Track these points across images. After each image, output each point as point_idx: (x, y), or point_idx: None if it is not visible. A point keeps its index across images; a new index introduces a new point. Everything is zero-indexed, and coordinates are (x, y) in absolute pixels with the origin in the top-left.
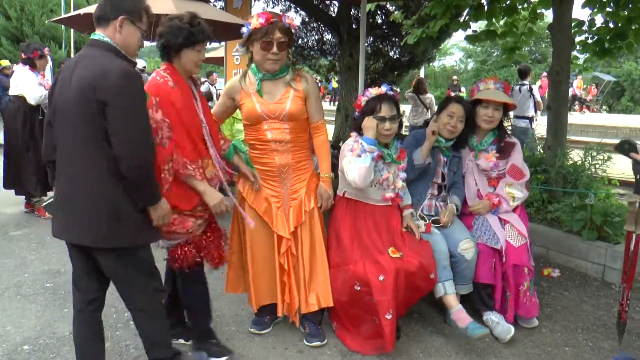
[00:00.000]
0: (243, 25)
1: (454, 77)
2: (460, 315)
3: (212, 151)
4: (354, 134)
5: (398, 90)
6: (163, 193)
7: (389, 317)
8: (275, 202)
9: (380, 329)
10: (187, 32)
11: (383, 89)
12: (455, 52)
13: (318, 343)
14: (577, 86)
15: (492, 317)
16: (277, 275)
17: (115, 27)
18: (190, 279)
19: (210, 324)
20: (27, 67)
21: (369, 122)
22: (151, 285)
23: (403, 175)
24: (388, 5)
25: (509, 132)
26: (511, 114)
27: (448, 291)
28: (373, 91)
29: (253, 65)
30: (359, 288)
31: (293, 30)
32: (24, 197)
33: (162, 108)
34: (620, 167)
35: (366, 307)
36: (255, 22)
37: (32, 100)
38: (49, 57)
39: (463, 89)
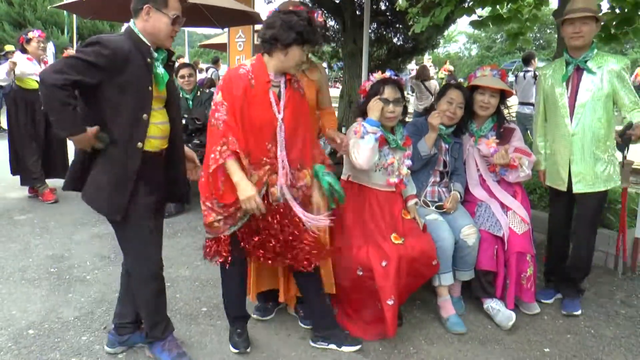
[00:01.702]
0: (246, 12)
1: (449, 68)
2: (446, 305)
3: (280, 154)
4: (359, 119)
5: (403, 77)
6: (205, 175)
7: (390, 302)
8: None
9: (382, 314)
10: (304, 30)
11: (387, 73)
12: (459, 38)
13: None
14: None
15: (493, 304)
16: None
17: (142, 17)
18: (223, 272)
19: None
20: (24, 55)
21: (373, 103)
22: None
23: (408, 162)
24: None
25: (508, 118)
26: (515, 100)
27: (442, 283)
28: (377, 75)
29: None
30: (361, 273)
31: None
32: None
33: (222, 91)
34: (630, 156)
35: (368, 292)
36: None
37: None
38: (50, 43)
39: (461, 79)
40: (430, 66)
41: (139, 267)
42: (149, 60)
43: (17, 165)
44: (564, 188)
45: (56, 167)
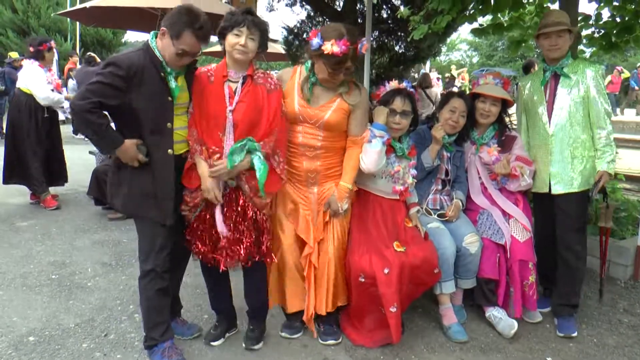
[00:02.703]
0: None
1: (447, 75)
2: (447, 313)
3: (226, 143)
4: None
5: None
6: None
7: (393, 310)
8: (302, 206)
9: (384, 320)
10: (224, 23)
11: (403, 84)
12: (461, 46)
13: (333, 341)
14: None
15: (495, 312)
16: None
17: (160, 35)
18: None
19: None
20: (36, 62)
21: (378, 109)
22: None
23: (413, 172)
24: (395, 0)
25: (510, 126)
26: (514, 109)
27: (444, 291)
28: (392, 84)
29: (309, 65)
30: (363, 280)
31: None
32: (26, 187)
33: (193, 86)
34: (626, 161)
35: (370, 298)
36: (329, 47)
37: (42, 100)
38: (55, 51)
39: (458, 83)
40: (433, 72)
41: (144, 265)
42: (162, 74)
43: (14, 174)
44: (546, 190)
45: (57, 174)
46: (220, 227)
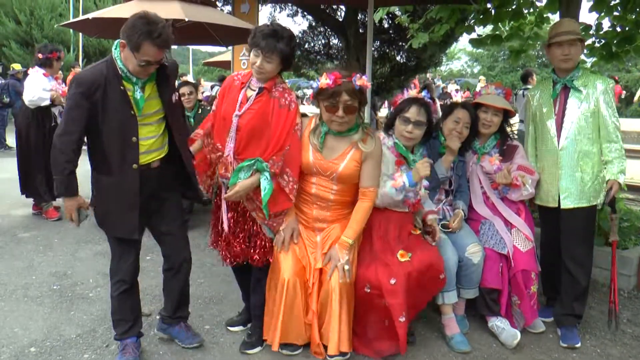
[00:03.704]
0: (250, 30)
1: (443, 85)
2: (450, 323)
3: (227, 146)
4: (382, 133)
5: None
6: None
7: (402, 319)
8: (308, 245)
9: (392, 331)
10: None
11: (422, 93)
12: (462, 56)
13: (340, 358)
14: None
15: (498, 322)
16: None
17: (120, 47)
18: None
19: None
20: (42, 70)
21: (423, 165)
22: None
23: (426, 183)
24: (396, 11)
25: (511, 136)
26: (516, 117)
27: (446, 302)
28: (412, 92)
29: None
30: (369, 290)
31: (364, 89)
32: (32, 199)
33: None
34: (628, 171)
35: (377, 309)
36: (323, 81)
37: (26, 100)
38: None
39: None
40: (433, 80)
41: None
42: (121, 87)
43: (25, 184)
44: (554, 204)
45: None
46: (225, 222)
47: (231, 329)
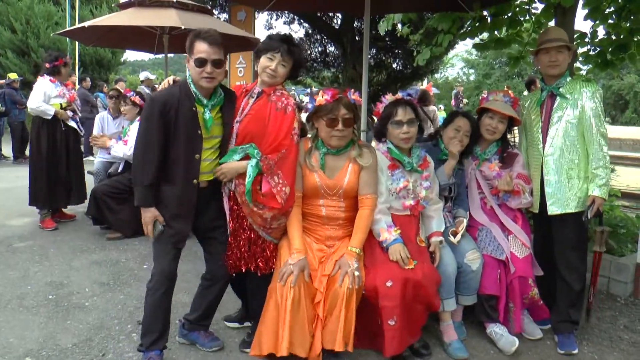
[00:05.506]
0: (247, 38)
1: (459, 86)
2: (448, 330)
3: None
4: (374, 142)
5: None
6: None
7: (392, 323)
8: (319, 256)
9: (380, 332)
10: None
11: (399, 94)
12: (456, 62)
13: None
14: None
15: (496, 329)
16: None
17: (186, 61)
18: None
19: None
20: (49, 77)
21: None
22: None
23: (427, 184)
24: (396, 21)
25: (512, 143)
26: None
27: (445, 309)
28: (389, 97)
29: (319, 141)
30: (364, 292)
31: (358, 104)
32: (37, 209)
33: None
34: (624, 179)
35: (369, 310)
36: (321, 98)
37: (29, 106)
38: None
39: (465, 100)
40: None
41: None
42: (194, 108)
43: (35, 195)
44: (536, 210)
45: (75, 194)
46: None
47: (228, 324)
